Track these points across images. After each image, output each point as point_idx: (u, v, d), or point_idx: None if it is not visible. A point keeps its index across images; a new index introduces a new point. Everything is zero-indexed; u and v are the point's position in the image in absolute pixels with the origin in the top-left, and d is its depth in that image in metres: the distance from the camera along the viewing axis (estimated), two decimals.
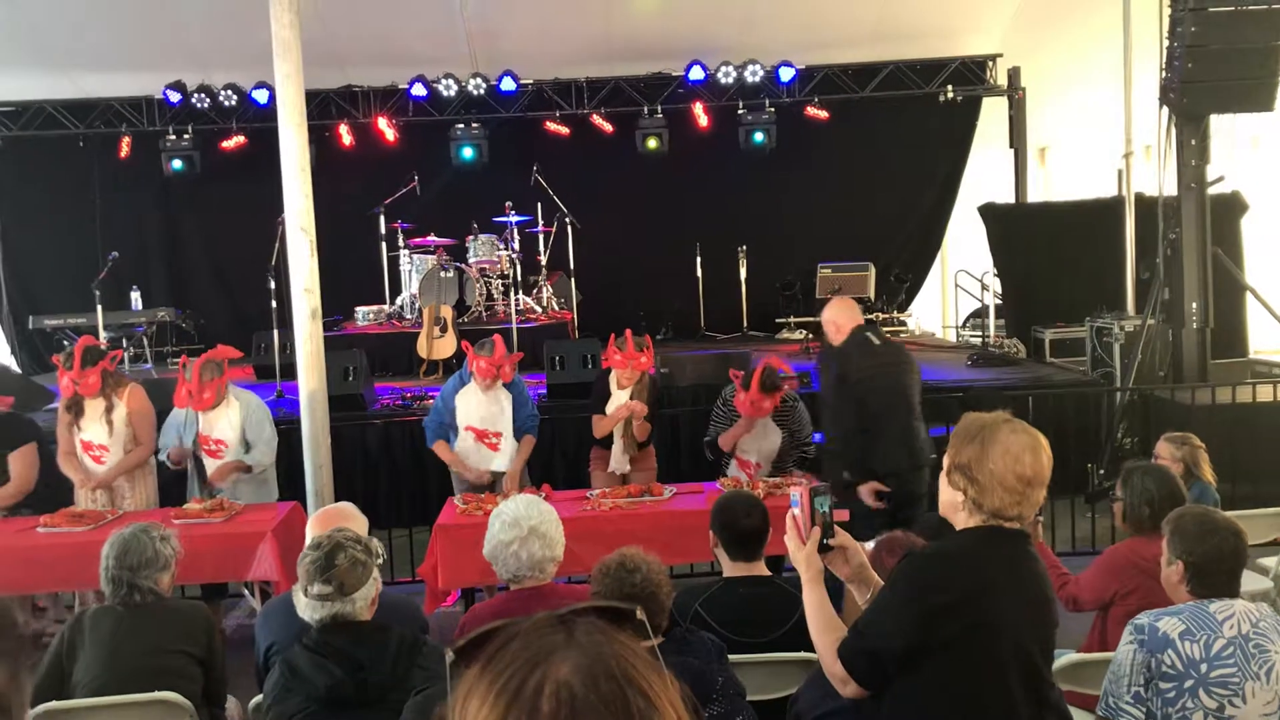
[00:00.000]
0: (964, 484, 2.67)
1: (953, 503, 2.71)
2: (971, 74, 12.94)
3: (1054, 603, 2.77)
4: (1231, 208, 10.23)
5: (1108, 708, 2.97)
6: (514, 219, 11.73)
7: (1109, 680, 2.99)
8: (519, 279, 11.36)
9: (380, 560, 3.31)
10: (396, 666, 3.08)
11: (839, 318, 6.04)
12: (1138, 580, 3.86)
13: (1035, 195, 13.33)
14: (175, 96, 12.39)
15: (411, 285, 11.70)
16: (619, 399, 6.37)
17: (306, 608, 3.14)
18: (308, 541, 3.36)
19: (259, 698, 3.57)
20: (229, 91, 12.36)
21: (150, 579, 3.80)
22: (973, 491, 2.66)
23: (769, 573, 3.81)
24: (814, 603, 2.79)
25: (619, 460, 6.43)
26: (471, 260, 11.51)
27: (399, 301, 11.90)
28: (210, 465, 6.08)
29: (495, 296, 11.62)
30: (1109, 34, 10.05)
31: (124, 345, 11.13)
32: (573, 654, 0.96)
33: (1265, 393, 8.11)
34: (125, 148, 12.78)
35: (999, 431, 2.65)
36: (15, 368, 11.74)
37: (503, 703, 0.94)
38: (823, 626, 2.77)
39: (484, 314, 11.45)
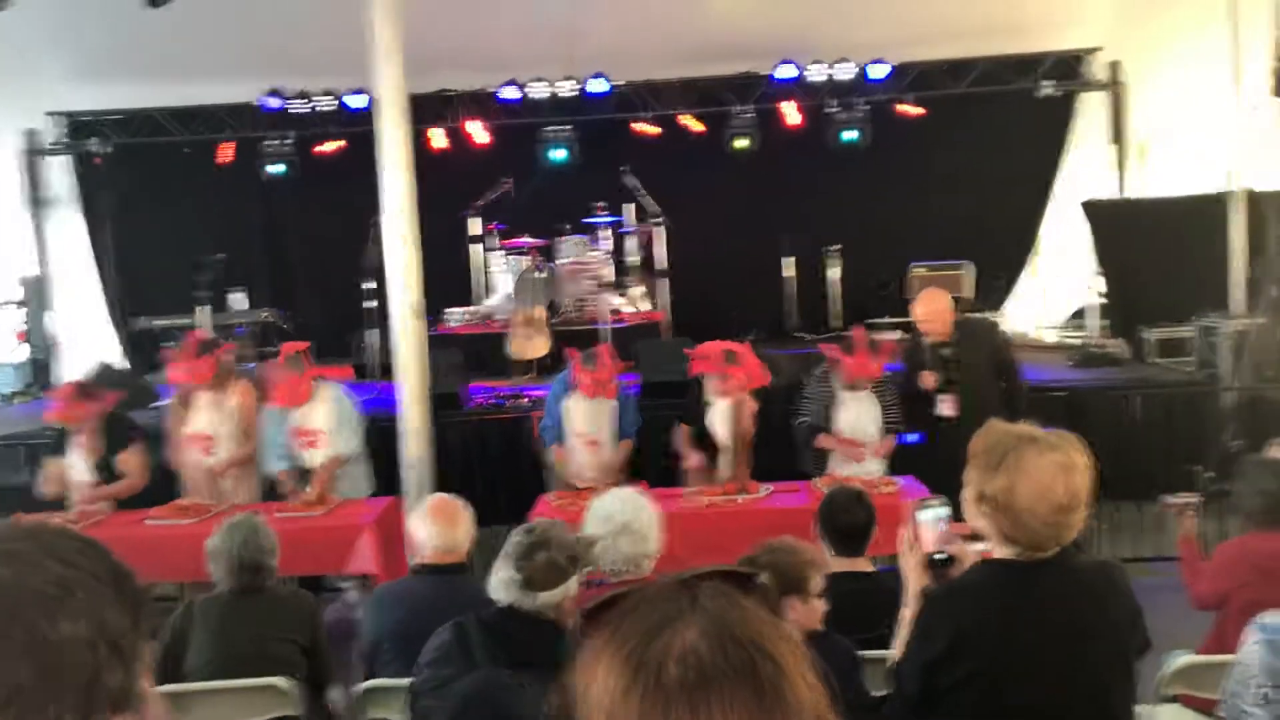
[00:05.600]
0: (993, 515, 2.44)
1: (982, 529, 2.50)
2: (1069, 68, 12.67)
3: (1101, 638, 2.48)
4: None
5: (1230, 710, 2.85)
6: (605, 219, 11.77)
7: (1233, 682, 2.86)
8: (610, 279, 11.38)
9: (586, 571, 3.23)
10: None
11: (944, 305, 6.23)
12: (1250, 576, 3.73)
13: (1138, 192, 12.98)
14: (274, 102, 12.68)
15: (505, 286, 11.81)
16: (719, 408, 6.27)
17: (496, 585, 3.11)
18: (522, 529, 3.28)
19: (363, 685, 3.63)
20: (327, 96, 12.61)
21: (271, 561, 3.89)
22: (1004, 525, 2.44)
23: (872, 569, 3.76)
24: (906, 617, 2.65)
25: (729, 469, 6.29)
26: (563, 261, 11.58)
27: (492, 301, 12.02)
28: (306, 457, 6.21)
29: (587, 297, 11.67)
30: (1215, 23, 9.74)
31: (225, 342, 11.40)
32: (698, 619, 0.95)
33: None
34: (227, 153, 13.10)
35: (1025, 458, 2.40)
36: (125, 364, 12.11)
37: (630, 669, 0.93)
38: (901, 645, 2.64)
39: (575, 314, 11.51)
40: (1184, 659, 3.45)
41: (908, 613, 2.64)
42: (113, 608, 1.04)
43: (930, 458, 6.21)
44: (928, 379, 6.26)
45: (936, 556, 2.59)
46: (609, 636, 0.97)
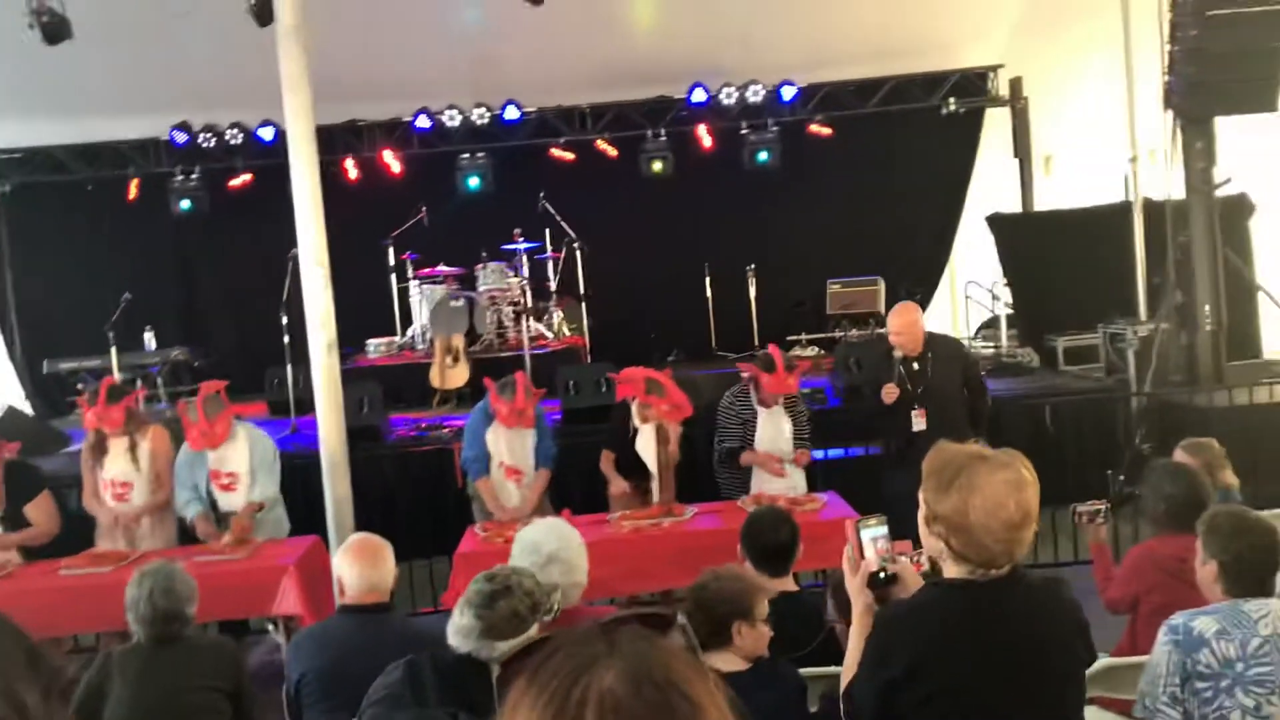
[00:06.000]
0: (946, 535, 2.46)
1: (935, 549, 2.52)
2: (973, 85, 12.97)
3: (1055, 652, 2.52)
4: (1239, 209, 10.21)
5: (1145, 709, 2.95)
6: (523, 246, 11.76)
7: (1145, 682, 2.97)
8: (530, 305, 11.37)
9: (548, 619, 3.19)
10: None
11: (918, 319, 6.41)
12: (1158, 578, 3.84)
13: (1042, 204, 13.33)
14: (181, 137, 12.47)
15: (422, 316, 11.73)
16: (645, 433, 6.29)
17: (454, 630, 3.06)
18: (484, 572, 3.23)
19: None
20: (235, 130, 12.45)
21: (187, 611, 3.80)
22: (957, 544, 2.45)
23: (797, 588, 3.80)
24: (854, 637, 2.65)
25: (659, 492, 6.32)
26: (481, 288, 11.54)
27: (410, 332, 11.93)
28: (224, 500, 6.10)
29: (506, 324, 11.63)
30: (1109, 40, 10.08)
31: (138, 386, 11.16)
32: (616, 662, 0.97)
33: None
34: (133, 189, 12.85)
35: (977, 476, 2.43)
36: (28, 411, 11.78)
37: (550, 712, 0.95)
38: (851, 662, 2.63)
39: (495, 341, 11.47)
40: (1100, 662, 3.53)
41: (854, 631, 2.65)
42: (23, 680, 1.03)
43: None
44: (889, 393, 6.27)
45: (880, 574, 2.61)
46: (529, 682, 0.99)
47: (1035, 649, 2.49)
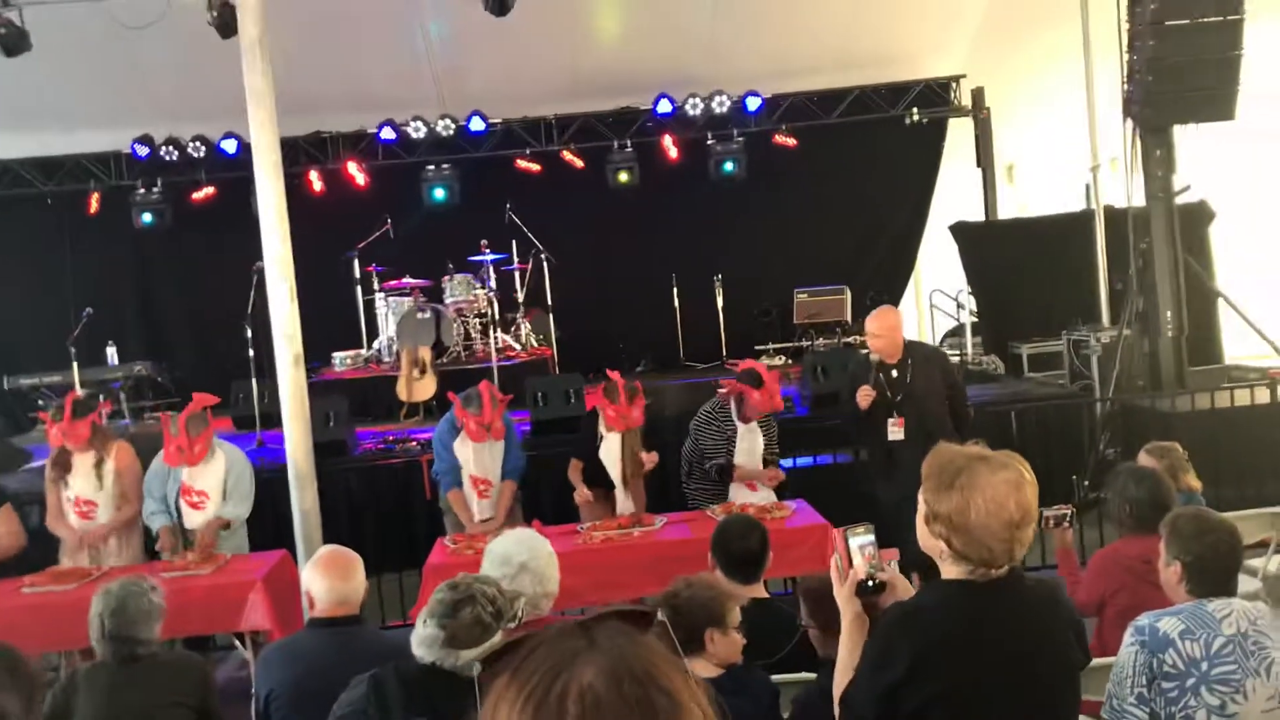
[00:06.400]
0: (947, 534, 2.47)
1: (935, 549, 2.53)
2: (936, 96, 13.09)
3: (1052, 653, 2.54)
4: (1199, 216, 10.36)
5: (1112, 710, 2.98)
6: (489, 258, 11.74)
7: (1113, 682, 3.00)
8: (497, 317, 11.35)
9: (512, 625, 3.18)
10: None
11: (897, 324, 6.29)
12: (1124, 580, 3.88)
13: (1005, 212, 13.47)
14: (143, 150, 12.36)
15: (388, 328, 11.68)
16: (610, 441, 6.31)
17: (418, 640, 3.06)
18: (447, 583, 3.20)
19: None
20: (197, 143, 12.37)
21: (147, 632, 3.76)
22: (957, 543, 2.46)
23: (767, 595, 3.81)
24: (845, 645, 2.63)
25: (624, 502, 6.32)
26: (448, 300, 11.50)
27: (376, 345, 11.87)
28: (191, 517, 6.03)
29: (473, 336, 11.60)
30: (1069, 50, 10.20)
31: (101, 401, 11.04)
32: (596, 658, 0.98)
33: (1243, 397, 8.20)
34: (95, 203, 12.73)
35: (978, 475, 2.45)
36: None
37: (530, 708, 0.96)
38: (843, 669, 2.61)
39: (463, 354, 11.44)
40: None
41: (844, 639, 2.63)
42: (5, 690, 1.02)
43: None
44: (864, 395, 6.07)
45: (868, 583, 2.60)
46: (510, 680, 0.99)
47: (1033, 649, 2.50)
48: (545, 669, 0.98)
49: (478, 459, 6.23)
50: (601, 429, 6.33)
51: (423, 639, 3.04)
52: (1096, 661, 3.60)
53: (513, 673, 1.00)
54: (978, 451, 2.54)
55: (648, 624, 1.04)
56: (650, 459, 6.30)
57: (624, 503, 6.32)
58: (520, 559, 3.68)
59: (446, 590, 3.13)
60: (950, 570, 2.52)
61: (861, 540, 2.64)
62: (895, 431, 6.11)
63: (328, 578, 3.76)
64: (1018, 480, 2.45)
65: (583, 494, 6.36)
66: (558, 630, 1.02)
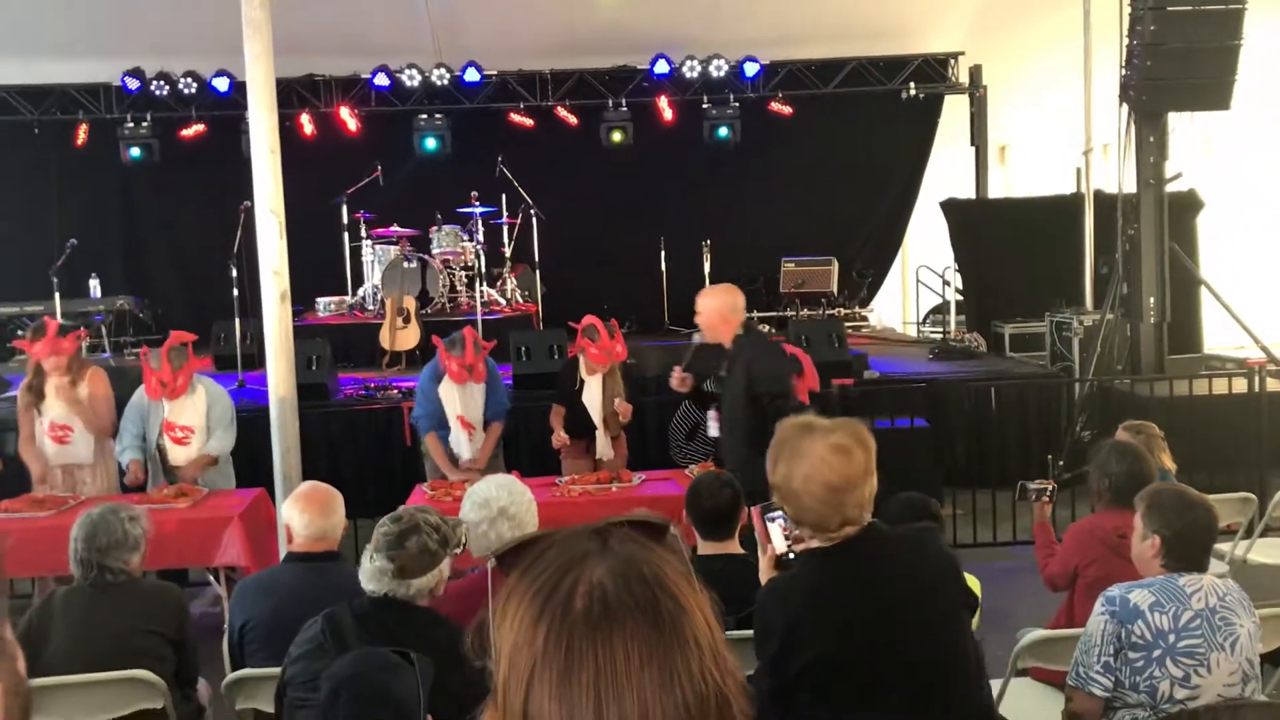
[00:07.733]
0: (783, 502, 2.57)
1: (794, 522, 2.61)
2: (934, 71, 13.08)
3: (928, 594, 2.57)
4: (1188, 205, 10.41)
5: (1077, 677, 3.03)
6: (478, 210, 11.68)
7: (1080, 650, 3.05)
8: (483, 270, 11.31)
9: (457, 553, 3.29)
10: (442, 662, 2.65)
11: (738, 304, 5.25)
12: (1099, 552, 3.93)
13: (996, 192, 13.50)
14: (134, 84, 12.24)
15: (374, 276, 11.63)
16: (592, 385, 6.37)
17: (367, 575, 3.11)
18: (392, 516, 3.25)
19: (231, 676, 3.55)
20: (189, 79, 12.25)
21: (120, 560, 3.76)
22: (791, 510, 2.56)
23: (742, 551, 3.83)
24: None
25: (605, 446, 6.47)
26: (435, 251, 11.45)
27: (361, 292, 11.83)
28: (175, 453, 6.03)
29: (459, 288, 11.56)
30: (1069, 33, 10.20)
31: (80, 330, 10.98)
32: (607, 559, 1.01)
33: (1220, 386, 8.26)
34: (82, 135, 12.61)
35: (801, 442, 2.53)
36: None
37: (539, 602, 0.99)
38: None
39: (447, 305, 11.40)
40: (1035, 634, 3.62)
41: None
42: None
43: None
44: (676, 379, 5.41)
45: (786, 557, 2.71)
46: (522, 574, 1.03)
47: (904, 598, 2.56)
48: (556, 566, 1.01)
49: (462, 401, 6.25)
50: (582, 372, 6.40)
51: (372, 573, 3.10)
52: (1064, 632, 3.66)
53: (525, 569, 1.03)
54: (805, 420, 2.62)
55: (660, 535, 1.07)
56: (625, 409, 6.39)
57: (605, 447, 6.40)
58: (500, 503, 3.70)
59: (390, 523, 3.19)
60: (810, 542, 2.60)
61: (777, 515, 2.72)
62: (713, 427, 5.41)
63: (307, 512, 3.78)
64: (841, 445, 2.51)
65: (560, 438, 6.42)
66: (571, 532, 1.05)
